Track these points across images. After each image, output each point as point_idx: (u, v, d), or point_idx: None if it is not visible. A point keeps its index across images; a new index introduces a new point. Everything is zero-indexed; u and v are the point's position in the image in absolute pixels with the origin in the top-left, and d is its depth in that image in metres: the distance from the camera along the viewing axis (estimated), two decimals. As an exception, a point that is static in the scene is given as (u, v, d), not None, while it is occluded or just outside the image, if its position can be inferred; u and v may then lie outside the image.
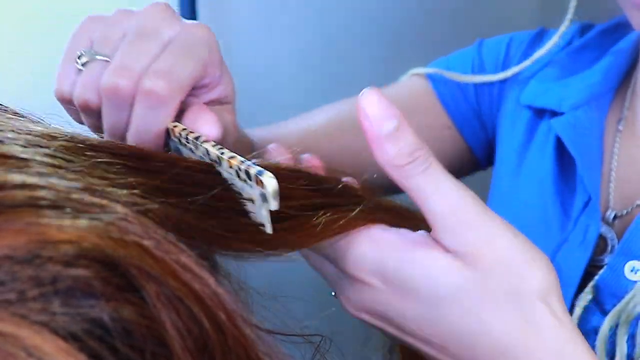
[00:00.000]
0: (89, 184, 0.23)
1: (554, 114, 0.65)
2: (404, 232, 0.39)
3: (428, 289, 0.37)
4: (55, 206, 0.21)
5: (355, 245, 0.38)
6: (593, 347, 0.54)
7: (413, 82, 0.76)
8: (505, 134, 0.70)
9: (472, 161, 0.76)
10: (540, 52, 0.68)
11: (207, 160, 0.36)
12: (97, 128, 0.44)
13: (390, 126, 0.35)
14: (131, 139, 0.41)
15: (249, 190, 0.34)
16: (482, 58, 0.74)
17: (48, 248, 0.20)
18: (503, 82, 0.72)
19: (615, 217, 0.59)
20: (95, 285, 0.21)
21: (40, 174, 0.22)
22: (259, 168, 0.33)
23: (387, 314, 0.38)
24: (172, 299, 0.22)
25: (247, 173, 0.33)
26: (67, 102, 0.44)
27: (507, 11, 1.34)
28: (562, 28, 0.66)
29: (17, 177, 0.22)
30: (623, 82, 0.65)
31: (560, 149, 0.63)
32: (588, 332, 0.56)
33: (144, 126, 0.41)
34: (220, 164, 0.35)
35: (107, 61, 0.42)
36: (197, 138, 0.38)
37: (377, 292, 0.38)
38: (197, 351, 0.22)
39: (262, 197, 0.33)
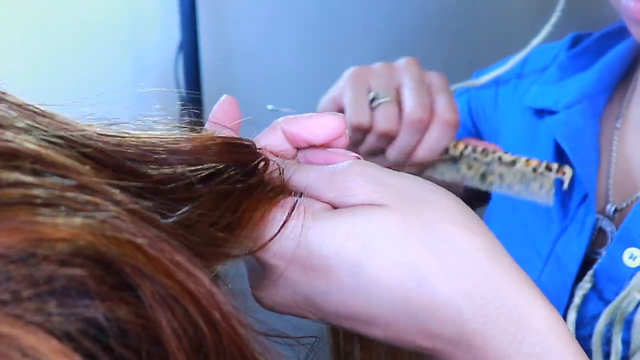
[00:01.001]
0: (84, 182, 0.23)
1: (552, 113, 0.68)
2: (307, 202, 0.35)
3: (351, 249, 0.33)
4: (50, 204, 0.21)
5: (265, 226, 0.34)
6: (591, 337, 0.55)
7: None
8: (506, 135, 0.73)
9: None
10: (524, 52, 0.70)
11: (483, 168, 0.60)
12: (374, 150, 0.60)
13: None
14: (422, 154, 0.59)
15: (534, 184, 0.57)
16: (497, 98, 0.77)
17: (43, 247, 0.20)
18: (497, 90, 0.75)
19: (615, 210, 0.61)
20: (89, 285, 0.21)
21: (34, 172, 0.22)
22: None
23: (303, 295, 0.34)
24: (166, 298, 0.22)
25: (548, 167, 0.58)
26: (363, 131, 0.59)
27: (506, 11, 1.34)
28: (543, 32, 0.68)
29: (11, 175, 0.21)
30: (623, 81, 0.67)
31: (559, 147, 0.65)
32: (588, 320, 0.57)
33: (437, 145, 0.59)
34: (514, 165, 0.58)
35: (390, 101, 0.59)
36: (483, 150, 0.60)
37: (291, 274, 0.34)
38: (192, 351, 0.22)
39: (556, 181, 0.58)
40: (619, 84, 0.67)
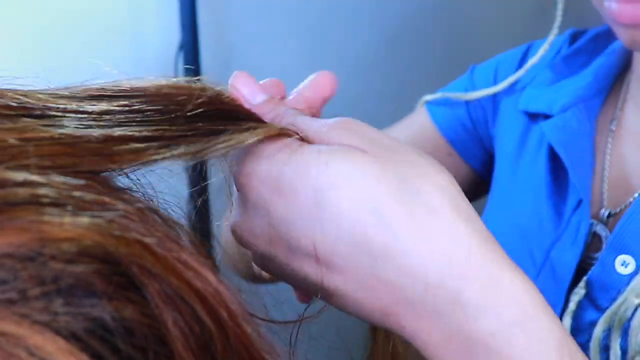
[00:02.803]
0: (91, 181, 0.23)
1: (547, 117, 0.67)
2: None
3: (321, 177, 0.32)
4: (57, 204, 0.21)
5: (250, 152, 0.35)
6: (588, 343, 0.54)
7: (414, 116, 0.79)
8: (502, 141, 0.72)
9: (477, 183, 0.78)
10: (532, 61, 0.70)
11: None
12: None
13: (260, 98, 0.38)
14: None
15: None
16: (474, 83, 0.77)
17: (50, 246, 0.20)
18: (495, 97, 0.74)
19: (609, 215, 0.60)
20: (96, 284, 0.21)
21: (41, 172, 0.22)
22: None
23: (271, 223, 0.34)
24: (173, 297, 0.22)
25: None
26: None
27: (506, 12, 1.34)
28: (551, 36, 0.67)
29: (18, 175, 0.21)
30: (616, 83, 0.66)
31: (553, 151, 0.65)
32: (583, 327, 0.56)
33: None
34: None
35: None
36: None
37: (262, 196, 0.34)
38: (199, 349, 0.22)
39: None
40: (613, 85, 0.66)
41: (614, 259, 0.56)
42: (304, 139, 0.35)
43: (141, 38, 1.13)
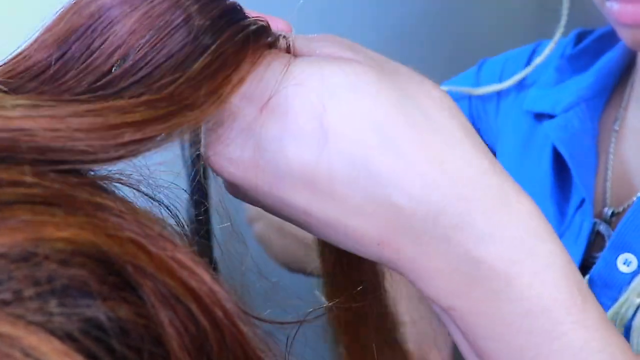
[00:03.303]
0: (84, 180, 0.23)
1: (551, 117, 0.67)
2: None
3: (317, 90, 0.29)
4: (50, 203, 0.21)
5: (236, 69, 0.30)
6: None
7: None
8: (504, 139, 0.72)
9: None
10: (539, 60, 0.70)
11: None
12: None
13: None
14: None
15: None
16: (479, 78, 0.77)
17: (44, 246, 0.20)
18: (499, 94, 0.74)
19: (613, 214, 0.61)
20: (91, 284, 0.21)
21: (34, 171, 0.22)
22: None
23: (257, 144, 0.30)
24: (168, 296, 0.22)
25: None
26: None
27: (506, 12, 1.34)
28: (557, 36, 0.68)
29: (11, 174, 0.21)
30: (619, 82, 0.67)
31: (557, 151, 0.65)
32: None
33: None
34: None
35: None
36: None
37: (246, 116, 0.30)
38: (194, 349, 0.22)
39: None
40: (616, 85, 0.67)
41: (616, 258, 0.57)
42: (290, 51, 0.32)
43: (141, 39, 1.13)
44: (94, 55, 0.28)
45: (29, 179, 0.21)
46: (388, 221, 0.30)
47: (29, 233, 0.20)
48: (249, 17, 0.32)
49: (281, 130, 0.30)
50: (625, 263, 0.56)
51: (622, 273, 0.56)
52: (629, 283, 0.55)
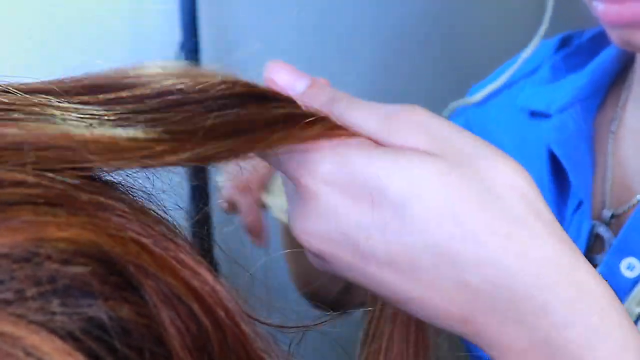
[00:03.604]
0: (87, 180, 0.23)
1: (545, 116, 0.66)
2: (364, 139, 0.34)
3: (399, 184, 0.31)
4: (53, 204, 0.21)
5: (311, 150, 0.33)
6: None
7: None
8: (499, 139, 0.71)
9: None
10: (525, 54, 0.70)
11: None
12: None
13: (303, 84, 0.35)
14: None
15: None
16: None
17: (46, 246, 0.20)
18: (489, 95, 0.74)
19: (612, 216, 0.60)
20: (93, 284, 0.21)
21: (37, 171, 0.22)
22: None
23: (343, 229, 0.32)
24: (170, 296, 0.22)
25: None
26: None
27: (506, 12, 1.34)
28: (542, 30, 0.67)
29: (13, 175, 0.21)
30: (616, 82, 0.66)
31: (553, 154, 0.64)
32: None
33: None
34: None
35: None
36: None
37: (332, 201, 0.32)
38: (196, 349, 0.22)
39: None
40: (612, 84, 0.66)
41: (620, 262, 0.56)
42: (370, 138, 0.33)
43: (141, 38, 1.13)
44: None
45: (30, 179, 0.22)
46: (472, 304, 0.31)
47: (31, 233, 0.20)
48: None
49: (363, 218, 0.32)
50: (628, 268, 0.55)
51: (626, 278, 0.55)
52: (632, 288, 0.54)
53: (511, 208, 0.32)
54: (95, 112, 0.26)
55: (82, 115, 0.25)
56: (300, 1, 1.20)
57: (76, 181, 0.23)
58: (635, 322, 0.52)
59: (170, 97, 0.28)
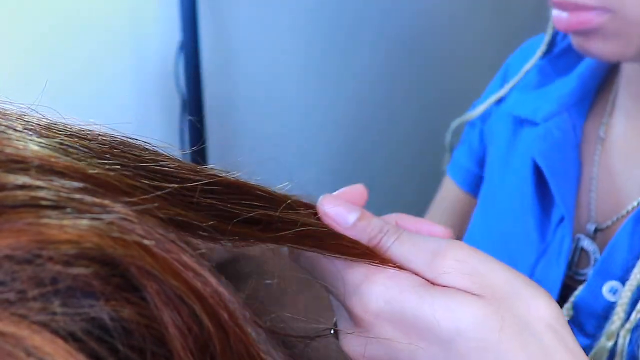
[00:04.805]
0: (91, 183, 0.23)
1: (531, 123, 0.65)
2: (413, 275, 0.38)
3: (446, 324, 0.35)
4: (56, 206, 0.21)
5: (364, 283, 0.36)
6: None
7: (443, 186, 0.80)
8: (494, 145, 0.71)
9: None
10: (528, 66, 0.69)
11: None
12: None
13: (353, 217, 0.38)
14: None
15: None
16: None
17: (48, 248, 0.20)
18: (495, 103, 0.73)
19: (597, 229, 0.59)
20: (94, 285, 0.21)
21: (41, 175, 0.22)
22: None
23: (393, 355, 0.36)
24: (172, 298, 0.22)
25: None
26: None
27: (506, 12, 1.34)
28: (548, 38, 0.67)
29: (17, 178, 0.21)
30: (603, 86, 0.64)
31: (537, 165, 0.63)
32: None
33: None
34: None
35: None
36: None
37: (383, 333, 0.36)
38: (198, 351, 0.22)
39: None
40: (600, 88, 0.65)
41: (602, 285, 0.55)
42: (417, 274, 0.37)
43: (141, 38, 1.13)
44: None
45: (35, 182, 0.22)
46: None
47: (34, 235, 0.20)
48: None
49: (413, 351, 0.35)
50: (611, 291, 0.55)
51: (608, 301, 0.55)
52: (614, 311, 0.53)
53: (544, 342, 0.35)
54: None
55: None
56: (301, 1, 1.20)
57: (80, 184, 0.23)
58: (612, 352, 0.52)
59: None
